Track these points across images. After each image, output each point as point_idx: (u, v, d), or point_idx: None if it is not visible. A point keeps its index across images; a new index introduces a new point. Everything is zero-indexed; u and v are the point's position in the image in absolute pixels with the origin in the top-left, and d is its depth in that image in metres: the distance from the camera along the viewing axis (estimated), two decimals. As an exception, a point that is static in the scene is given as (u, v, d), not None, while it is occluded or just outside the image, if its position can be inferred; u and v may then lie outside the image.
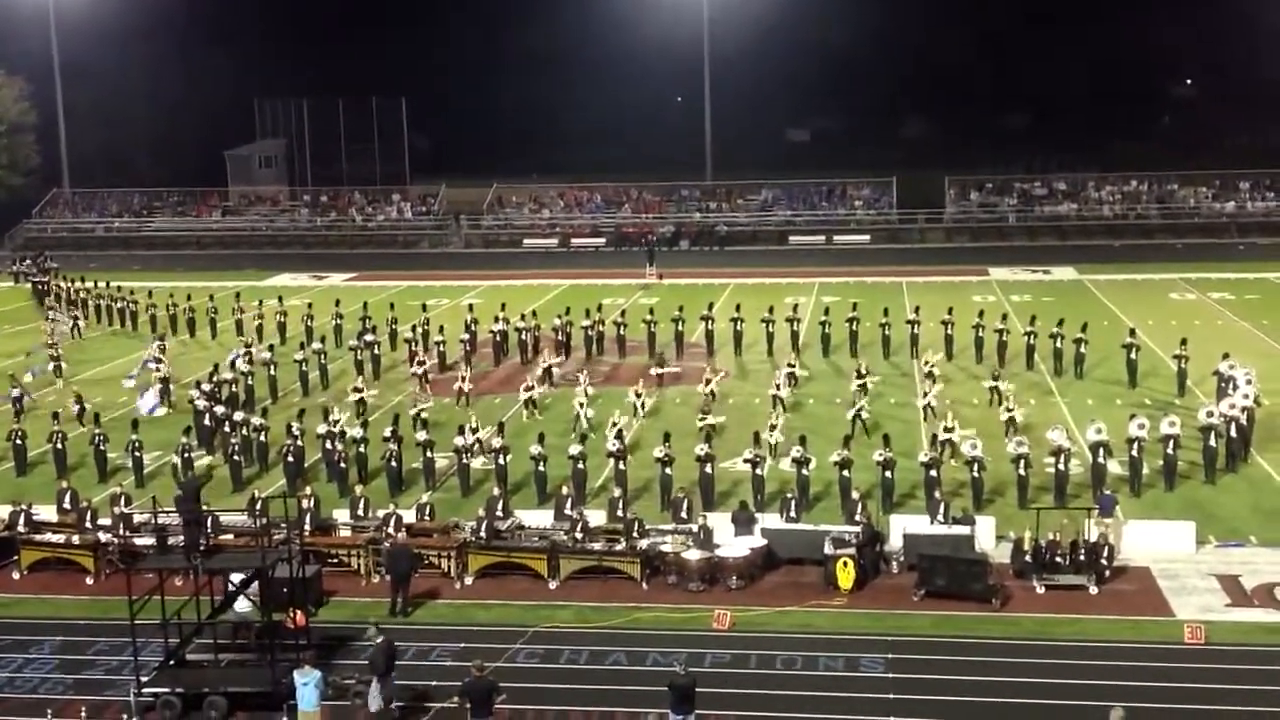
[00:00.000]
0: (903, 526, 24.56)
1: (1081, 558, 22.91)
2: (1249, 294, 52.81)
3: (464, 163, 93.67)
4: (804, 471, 26.88)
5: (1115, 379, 37.64)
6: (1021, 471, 27.10)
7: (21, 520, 25.45)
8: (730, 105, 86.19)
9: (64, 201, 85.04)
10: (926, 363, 36.12)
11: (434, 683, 19.61)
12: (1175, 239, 70.44)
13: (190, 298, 49.88)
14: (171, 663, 19.74)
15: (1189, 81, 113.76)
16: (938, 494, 25.58)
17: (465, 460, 28.98)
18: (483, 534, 24.26)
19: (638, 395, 34.12)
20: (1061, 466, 27.17)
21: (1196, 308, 50.39)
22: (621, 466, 27.72)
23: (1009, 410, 31.27)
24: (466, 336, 41.92)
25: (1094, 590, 22.67)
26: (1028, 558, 23.16)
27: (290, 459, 29.24)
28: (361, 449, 29.71)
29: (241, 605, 21.56)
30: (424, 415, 32.41)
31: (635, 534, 24.08)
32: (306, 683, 18.00)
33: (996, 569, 22.91)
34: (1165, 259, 63.37)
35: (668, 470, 27.56)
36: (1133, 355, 37.26)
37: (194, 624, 20.33)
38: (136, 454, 30.31)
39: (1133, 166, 78.47)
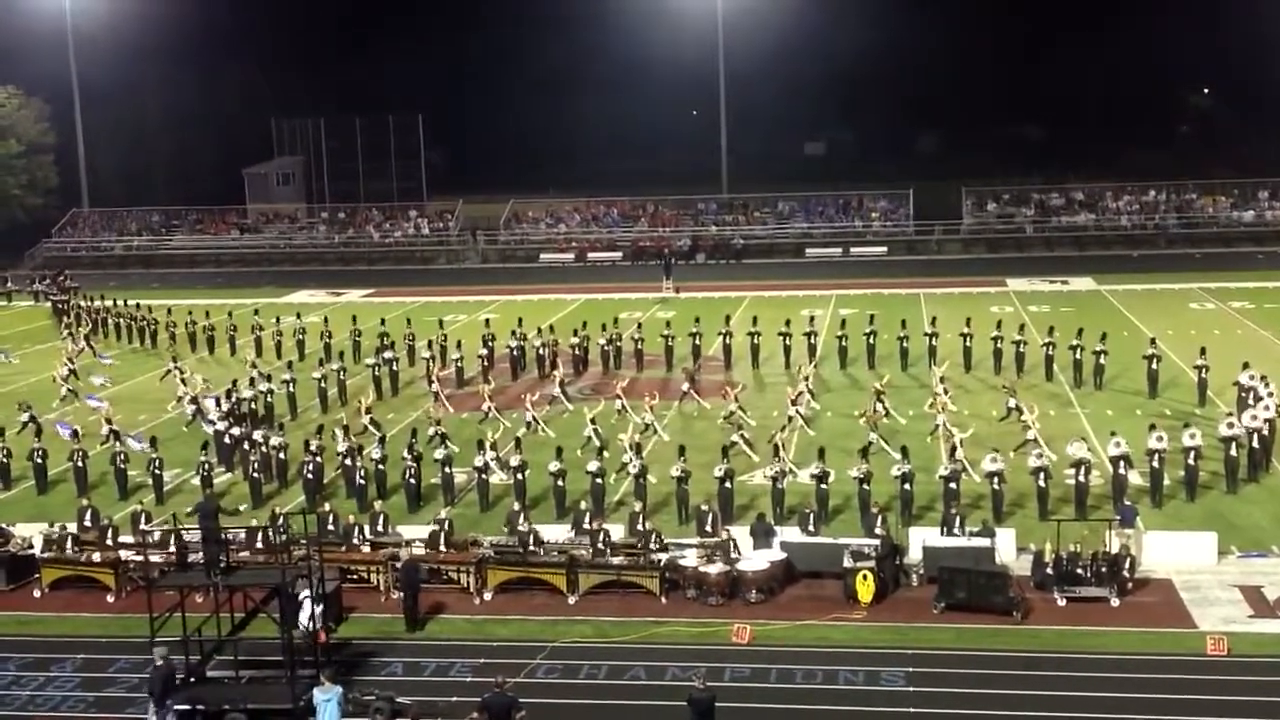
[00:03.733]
0: (922, 539, 24.49)
1: (1102, 569, 22.79)
2: (1269, 303, 52.50)
3: (480, 178, 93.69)
4: (823, 485, 26.84)
5: (1135, 390, 37.48)
6: (1041, 483, 26.98)
7: (58, 539, 25.34)
8: (746, 118, 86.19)
9: (83, 221, 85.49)
10: (943, 378, 35.59)
11: (454, 698, 19.64)
12: (1194, 249, 70.19)
13: (209, 315, 50.17)
14: (192, 679, 19.78)
15: (1206, 90, 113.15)
16: (953, 508, 25.47)
17: (485, 476, 29.02)
18: (510, 545, 24.28)
19: (649, 409, 33.85)
20: (1082, 478, 27.04)
21: (1216, 317, 50.18)
22: (641, 480, 27.72)
23: (1029, 427, 30.72)
24: (484, 352, 42.00)
25: (1115, 602, 22.56)
26: (1048, 570, 23.07)
27: (309, 476, 29.33)
28: (380, 466, 29.79)
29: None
30: (442, 431, 32.41)
31: (653, 545, 24.04)
32: (328, 699, 18.04)
33: (1017, 581, 22.81)
34: (1184, 269, 63.09)
35: (684, 485, 27.56)
36: (1154, 365, 37.09)
37: (214, 640, 20.40)
38: (156, 472, 30.46)
39: (1150, 176, 78.14)
